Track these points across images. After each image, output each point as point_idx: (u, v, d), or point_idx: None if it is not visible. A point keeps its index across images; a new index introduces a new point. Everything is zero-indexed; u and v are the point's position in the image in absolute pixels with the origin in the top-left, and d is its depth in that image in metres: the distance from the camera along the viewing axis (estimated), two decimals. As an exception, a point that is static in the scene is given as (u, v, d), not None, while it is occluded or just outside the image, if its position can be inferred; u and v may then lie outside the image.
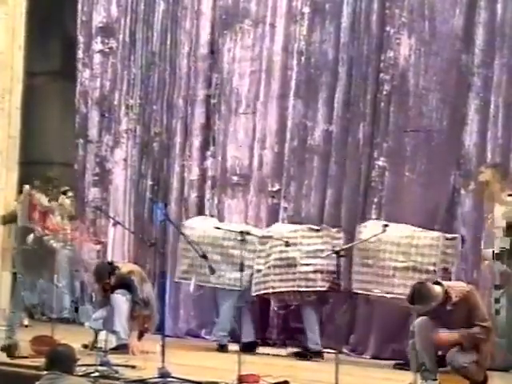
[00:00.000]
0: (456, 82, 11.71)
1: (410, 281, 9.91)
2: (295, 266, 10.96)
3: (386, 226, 10.46)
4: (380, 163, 12.09)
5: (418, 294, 8.64)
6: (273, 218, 12.96)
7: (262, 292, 11.25)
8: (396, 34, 12.10)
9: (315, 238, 11.18)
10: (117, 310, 10.99)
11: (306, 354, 11.21)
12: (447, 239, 10.50)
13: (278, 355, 11.68)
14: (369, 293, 10.62)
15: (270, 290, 11.00)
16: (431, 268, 10.27)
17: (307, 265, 10.90)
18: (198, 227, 11.80)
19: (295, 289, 10.85)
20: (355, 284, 10.88)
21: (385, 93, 12.16)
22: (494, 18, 11.45)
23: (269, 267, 11.18)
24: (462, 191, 11.54)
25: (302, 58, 12.89)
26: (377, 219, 11.64)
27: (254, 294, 11.44)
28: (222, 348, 11.26)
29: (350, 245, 10.61)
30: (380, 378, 9.64)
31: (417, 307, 8.81)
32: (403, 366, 10.03)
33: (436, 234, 10.57)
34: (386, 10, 12.24)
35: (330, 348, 10.80)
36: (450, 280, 9.89)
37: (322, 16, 12.74)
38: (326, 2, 12.70)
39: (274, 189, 13.03)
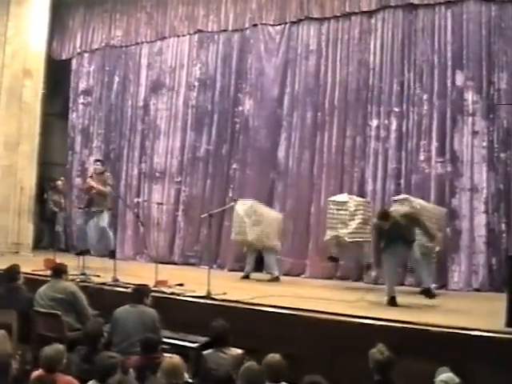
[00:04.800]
0: (274, 123, 11.86)
1: (361, 229, 9.28)
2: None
3: (235, 200, 10.62)
4: (234, 166, 12.26)
5: None
6: (177, 196, 12.91)
7: None
8: (243, 97, 12.32)
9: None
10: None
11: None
12: (368, 202, 9.86)
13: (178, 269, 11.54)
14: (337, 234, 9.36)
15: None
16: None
17: None
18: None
19: None
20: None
21: (237, 128, 12.31)
22: (293, 91, 11.71)
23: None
24: (276, 182, 11.73)
25: (194, 109, 12.89)
26: (232, 197, 11.69)
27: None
28: None
29: (217, 210, 10.32)
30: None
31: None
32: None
33: (363, 199, 9.88)
34: (238, 85, 12.37)
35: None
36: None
37: (204, 87, 12.80)
38: (207, 79, 12.76)
39: (178, 180, 12.97)
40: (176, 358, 4.88)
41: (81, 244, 11.31)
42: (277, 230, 10.47)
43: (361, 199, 9.88)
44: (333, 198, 9.79)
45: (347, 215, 9.40)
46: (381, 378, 4.73)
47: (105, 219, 10.94)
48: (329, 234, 9.60)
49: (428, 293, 7.85)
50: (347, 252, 10.00)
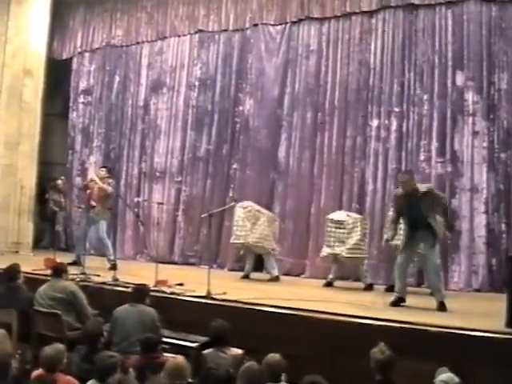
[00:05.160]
0: (274, 123, 11.83)
1: (358, 245, 9.29)
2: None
3: (235, 200, 10.58)
4: (234, 166, 12.22)
5: None
6: (177, 196, 12.90)
7: None
8: (243, 97, 12.29)
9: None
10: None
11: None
12: (365, 219, 9.78)
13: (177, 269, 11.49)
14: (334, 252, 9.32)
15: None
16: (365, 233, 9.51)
17: None
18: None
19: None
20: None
21: (237, 128, 12.28)
22: (294, 91, 11.70)
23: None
24: (277, 182, 11.69)
25: (194, 109, 12.88)
26: (232, 197, 11.67)
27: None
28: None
29: (217, 210, 10.32)
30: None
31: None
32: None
33: (360, 216, 9.79)
34: (239, 85, 12.35)
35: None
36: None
37: (204, 86, 12.78)
38: (207, 79, 12.74)
39: (178, 179, 12.94)
40: (180, 359, 4.87)
41: (77, 249, 11.16)
42: (275, 232, 10.49)
43: (358, 216, 9.82)
44: (331, 216, 9.72)
45: (345, 233, 9.38)
46: (382, 377, 4.72)
47: (103, 228, 10.88)
48: (325, 251, 9.57)
49: (444, 306, 7.47)
50: (345, 268, 10.01)
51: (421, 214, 7.57)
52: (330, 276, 9.74)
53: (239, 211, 10.27)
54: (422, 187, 7.81)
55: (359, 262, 9.59)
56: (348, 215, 9.69)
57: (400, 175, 8.21)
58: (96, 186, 10.84)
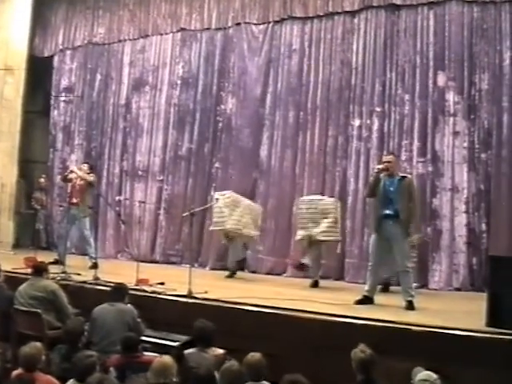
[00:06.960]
0: (256, 122, 11.81)
1: (333, 228, 9.24)
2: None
3: (217, 199, 10.37)
4: (216, 165, 12.20)
5: None
6: (159, 194, 12.84)
7: None
8: (225, 96, 12.26)
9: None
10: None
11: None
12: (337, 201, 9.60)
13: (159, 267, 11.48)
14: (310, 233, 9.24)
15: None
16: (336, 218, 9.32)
17: None
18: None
19: None
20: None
21: (219, 127, 12.24)
22: (276, 90, 11.70)
23: None
24: (258, 182, 11.70)
25: (176, 108, 12.83)
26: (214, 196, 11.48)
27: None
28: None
29: (198, 209, 10.33)
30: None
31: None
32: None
33: (332, 199, 9.74)
34: (221, 84, 12.33)
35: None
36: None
37: (186, 85, 12.73)
38: (189, 78, 12.71)
39: (160, 178, 12.88)
40: (167, 358, 4.84)
41: (59, 248, 11.03)
42: (255, 220, 10.53)
43: (330, 199, 9.80)
44: (302, 198, 9.78)
45: (317, 213, 9.31)
46: (364, 377, 4.70)
47: (87, 225, 10.79)
48: (300, 234, 9.49)
49: (412, 305, 7.38)
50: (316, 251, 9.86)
51: (393, 198, 7.44)
52: (306, 259, 9.64)
53: (218, 200, 10.33)
54: (401, 175, 7.76)
55: (334, 245, 9.60)
56: (319, 197, 9.76)
57: (385, 155, 8.02)
58: (76, 177, 10.73)
